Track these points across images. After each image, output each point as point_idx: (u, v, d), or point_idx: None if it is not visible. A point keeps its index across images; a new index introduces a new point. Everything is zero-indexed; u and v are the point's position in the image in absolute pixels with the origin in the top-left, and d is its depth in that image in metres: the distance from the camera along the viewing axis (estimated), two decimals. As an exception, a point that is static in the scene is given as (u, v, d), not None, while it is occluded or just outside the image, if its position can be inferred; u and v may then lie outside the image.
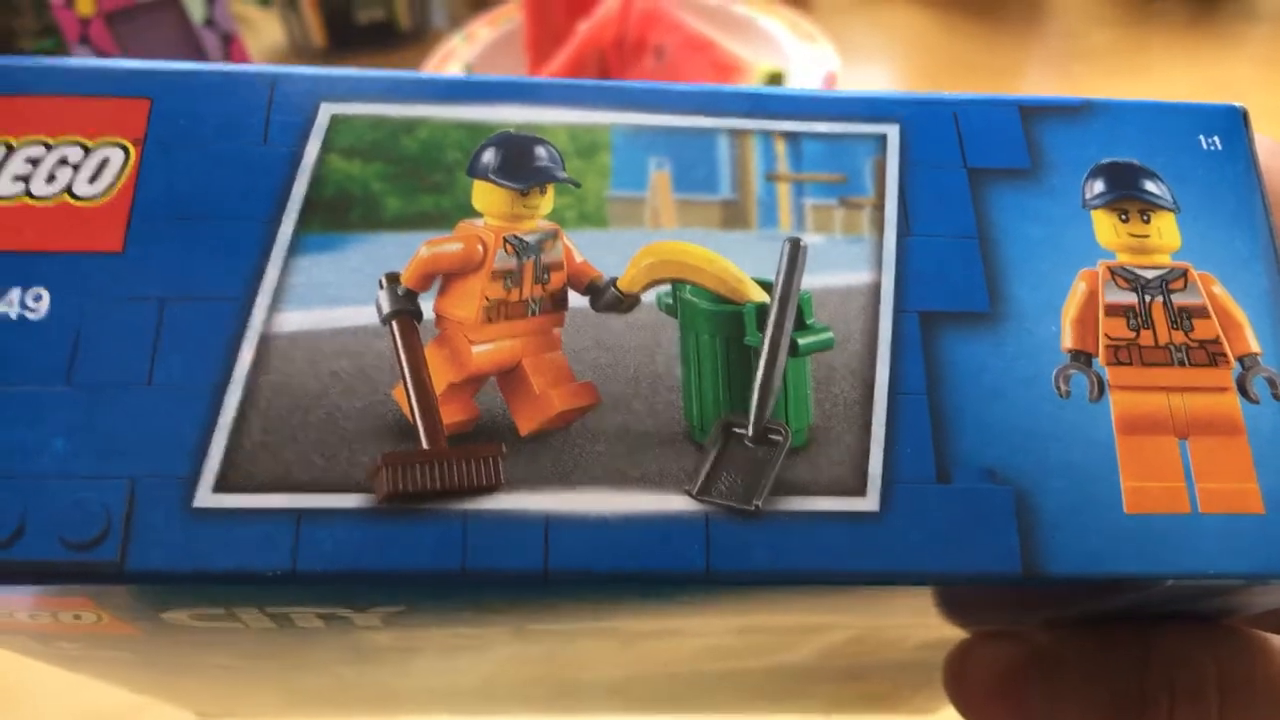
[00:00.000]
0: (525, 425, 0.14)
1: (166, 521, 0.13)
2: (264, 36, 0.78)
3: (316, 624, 0.15)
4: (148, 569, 0.13)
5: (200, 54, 0.68)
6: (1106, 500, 0.15)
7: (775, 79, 0.55)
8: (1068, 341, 0.15)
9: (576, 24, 0.60)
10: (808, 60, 0.59)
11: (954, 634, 0.19)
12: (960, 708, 0.20)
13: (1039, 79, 0.69)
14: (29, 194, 0.15)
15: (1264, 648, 0.17)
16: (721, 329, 0.15)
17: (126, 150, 0.15)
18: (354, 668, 0.21)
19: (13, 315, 0.14)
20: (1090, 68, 0.69)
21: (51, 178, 0.15)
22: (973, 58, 0.70)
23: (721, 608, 0.16)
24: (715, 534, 0.14)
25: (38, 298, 0.14)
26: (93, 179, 0.15)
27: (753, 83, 0.52)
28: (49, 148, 0.15)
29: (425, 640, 0.17)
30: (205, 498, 0.14)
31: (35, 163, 0.15)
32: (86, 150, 0.15)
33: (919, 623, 0.18)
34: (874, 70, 0.71)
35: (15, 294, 0.14)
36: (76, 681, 0.39)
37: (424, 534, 0.14)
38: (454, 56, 0.64)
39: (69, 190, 0.15)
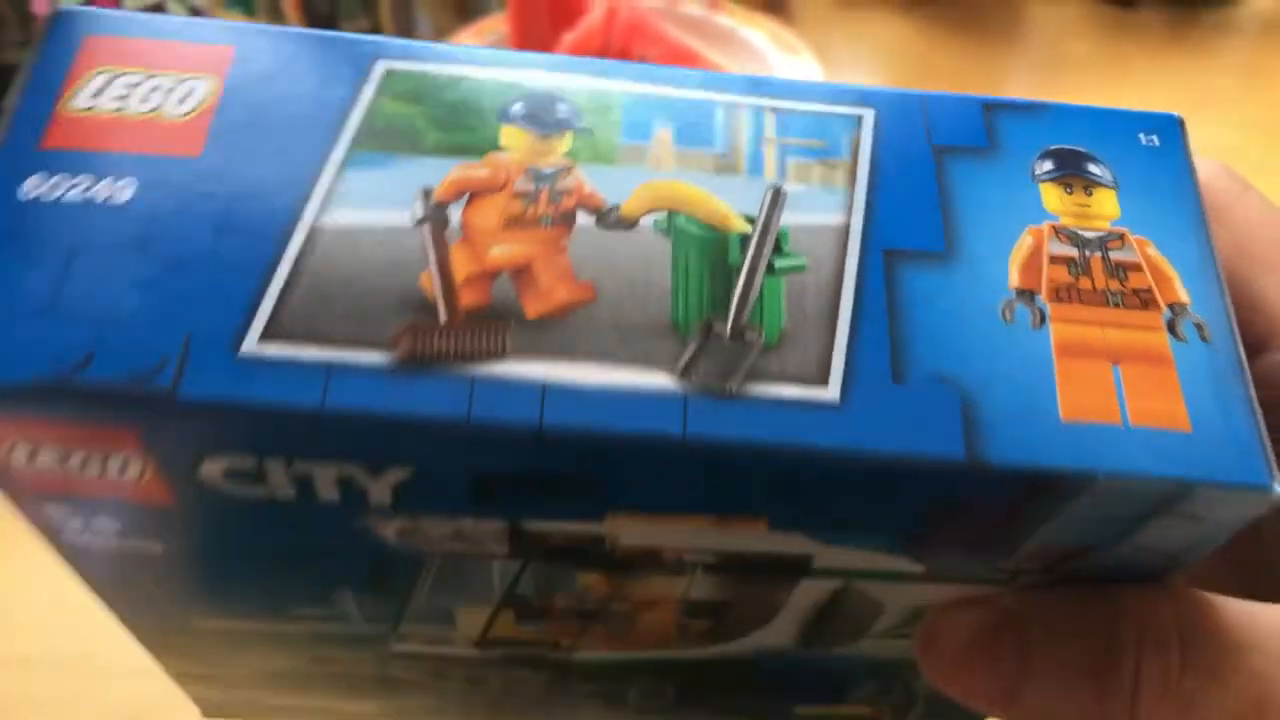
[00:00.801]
0: (531, 311, 0.16)
1: (216, 362, 0.15)
2: None
3: (333, 495, 0.17)
4: (196, 397, 0.15)
5: None
6: (1044, 408, 0.16)
7: None
8: (1014, 280, 0.17)
9: (561, 35, 0.61)
10: (790, 71, 0.60)
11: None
12: (933, 675, 0.21)
13: (1019, 89, 0.70)
14: (125, 110, 0.18)
15: (1213, 603, 0.19)
16: (709, 251, 0.17)
17: (210, 83, 0.18)
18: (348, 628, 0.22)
19: (100, 199, 0.17)
20: (1070, 78, 0.69)
21: (145, 99, 0.18)
22: (954, 69, 0.71)
23: (694, 521, 0.18)
24: (692, 408, 0.16)
25: (125, 186, 0.17)
26: (181, 101, 0.18)
27: None
28: (147, 77, 0.18)
29: (426, 542, 0.19)
30: (251, 346, 0.16)
31: (133, 87, 0.18)
32: (179, 82, 0.18)
33: (889, 562, 0.19)
34: (855, 80, 0.71)
35: (107, 182, 0.17)
36: (74, 692, 0.40)
37: (437, 389, 0.16)
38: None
39: (159, 109, 0.18)
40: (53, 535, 0.19)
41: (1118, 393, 0.16)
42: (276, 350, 0.16)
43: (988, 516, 0.17)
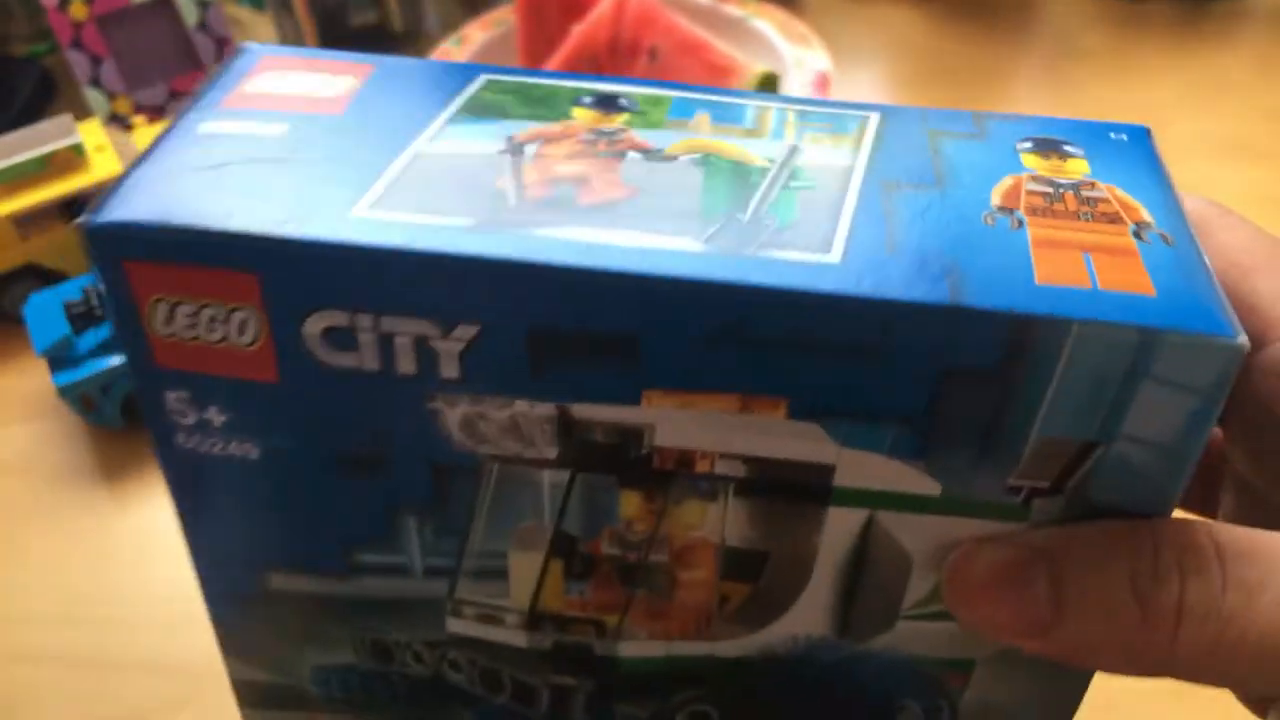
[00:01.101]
0: (584, 200, 0.20)
1: (331, 218, 0.19)
2: (257, 40, 0.80)
3: (410, 366, 0.20)
4: (310, 238, 0.19)
5: (193, 56, 0.69)
6: (1021, 276, 0.19)
7: (769, 81, 0.55)
8: (995, 202, 0.21)
9: (570, 26, 0.60)
10: (800, 61, 0.59)
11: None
12: (960, 607, 0.21)
13: (1029, 80, 0.68)
14: (283, 91, 0.23)
15: (1244, 531, 0.19)
16: (735, 174, 0.21)
17: (352, 80, 0.23)
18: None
19: (258, 134, 0.21)
20: (1080, 68, 0.68)
21: (299, 85, 0.23)
22: (963, 59, 0.70)
23: (721, 401, 0.20)
24: (715, 261, 0.19)
25: (279, 127, 0.22)
26: (330, 87, 0.23)
27: (746, 85, 0.53)
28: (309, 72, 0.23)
29: (485, 436, 0.21)
30: (361, 210, 0.20)
31: (290, 74, 0.23)
32: (331, 78, 0.23)
33: (904, 477, 0.21)
34: (865, 71, 0.71)
35: (266, 125, 0.22)
36: (81, 687, 0.40)
37: (504, 241, 0.19)
38: (447, 59, 0.64)
39: (314, 91, 0.23)
40: (166, 442, 0.22)
41: (1088, 269, 0.19)
42: (381, 214, 0.19)
43: (982, 391, 0.19)
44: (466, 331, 0.20)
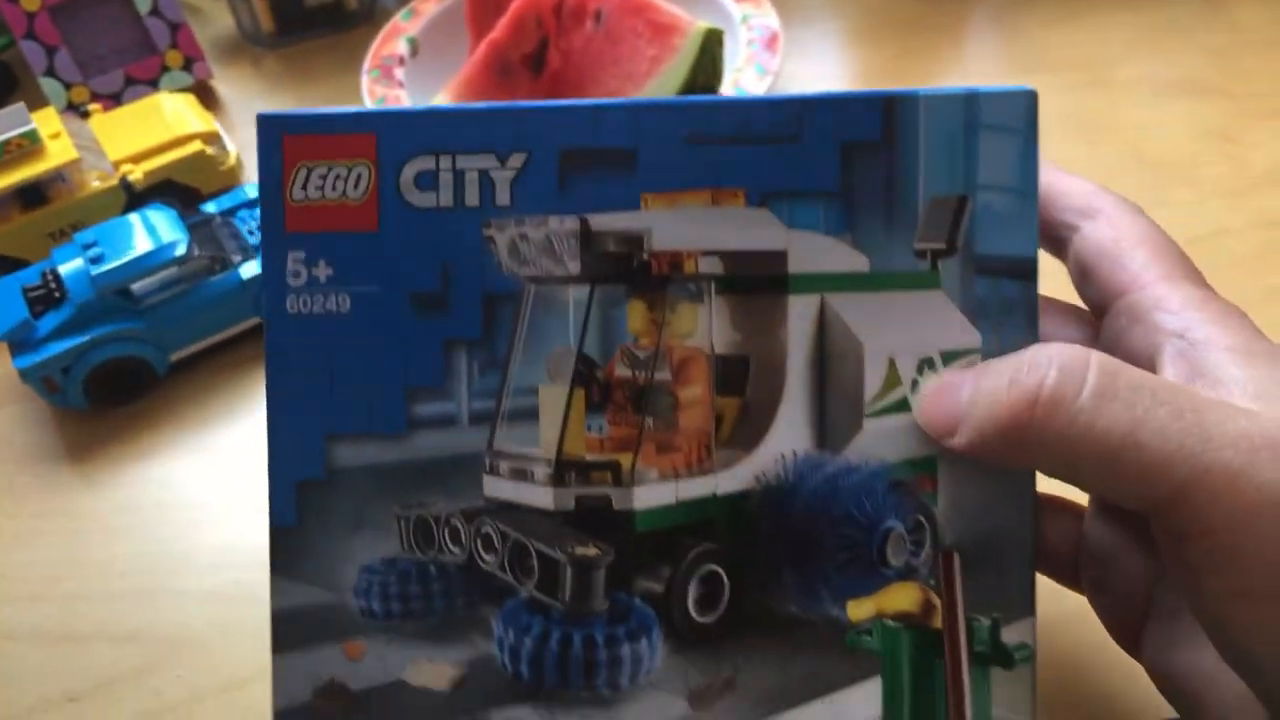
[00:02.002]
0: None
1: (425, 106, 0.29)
2: (213, 24, 0.79)
3: (474, 198, 0.28)
4: (417, 107, 0.29)
5: (148, 42, 0.68)
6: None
7: (713, 37, 0.55)
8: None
9: None
10: (747, 18, 0.58)
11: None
12: (920, 415, 0.27)
13: (978, 31, 0.68)
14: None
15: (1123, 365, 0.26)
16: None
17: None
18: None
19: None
20: (1028, 17, 0.69)
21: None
22: (912, 12, 0.70)
23: (697, 195, 0.28)
24: (690, 103, 0.28)
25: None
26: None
27: (690, 41, 0.53)
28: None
29: (526, 257, 0.28)
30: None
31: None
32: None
33: (840, 254, 0.28)
34: (815, 29, 0.69)
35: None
36: (47, 664, 0.38)
37: (548, 105, 0.29)
38: (399, 32, 0.67)
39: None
40: (278, 311, 0.29)
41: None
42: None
43: (875, 160, 0.28)
44: (517, 159, 0.28)
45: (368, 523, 0.29)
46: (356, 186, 0.29)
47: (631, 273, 0.29)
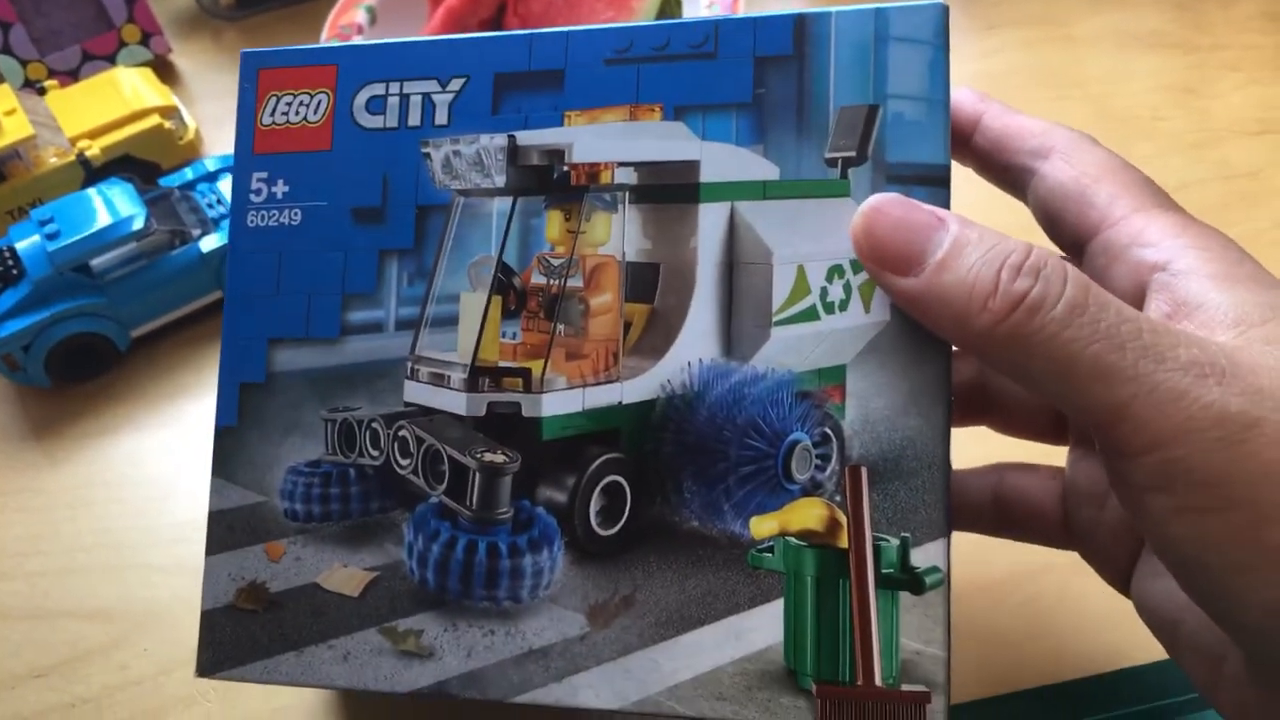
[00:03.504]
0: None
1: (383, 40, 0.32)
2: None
3: (416, 118, 0.30)
4: (374, 42, 0.31)
5: (104, 17, 0.65)
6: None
7: (671, 1, 0.51)
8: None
9: None
10: None
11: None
12: (856, 235, 0.26)
13: None
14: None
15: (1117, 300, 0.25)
16: None
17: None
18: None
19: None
20: None
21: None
22: None
23: (615, 112, 0.29)
24: (617, 32, 0.30)
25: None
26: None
27: (648, 6, 0.51)
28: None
29: (458, 171, 0.30)
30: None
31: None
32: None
33: (749, 163, 0.28)
34: None
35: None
36: (14, 640, 0.40)
37: (487, 36, 0.31)
38: (357, 1, 0.64)
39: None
40: (240, 224, 0.32)
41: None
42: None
43: (787, 73, 0.28)
44: (457, 83, 0.30)
45: (299, 426, 0.31)
46: (316, 111, 0.32)
47: (552, 184, 0.30)
